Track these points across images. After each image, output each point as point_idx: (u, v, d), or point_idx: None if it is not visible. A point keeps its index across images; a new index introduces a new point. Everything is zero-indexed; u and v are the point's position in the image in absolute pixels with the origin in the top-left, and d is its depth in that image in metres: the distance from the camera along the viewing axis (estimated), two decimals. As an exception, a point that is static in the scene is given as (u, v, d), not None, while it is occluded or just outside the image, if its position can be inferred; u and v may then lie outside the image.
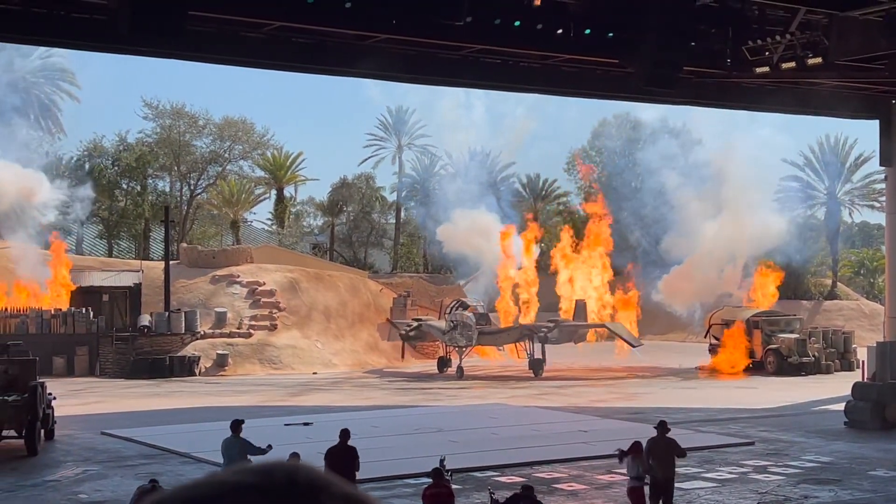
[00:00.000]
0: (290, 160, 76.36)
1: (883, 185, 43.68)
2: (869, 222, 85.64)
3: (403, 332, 50.18)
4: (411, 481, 21.41)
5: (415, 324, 50.64)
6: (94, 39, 25.56)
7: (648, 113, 69.70)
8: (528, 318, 53.54)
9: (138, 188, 69.78)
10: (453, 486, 17.17)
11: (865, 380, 33.49)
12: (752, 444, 27.30)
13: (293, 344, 51.36)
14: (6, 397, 25.95)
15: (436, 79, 33.75)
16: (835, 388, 37.87)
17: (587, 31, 26.32)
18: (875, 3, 25.61)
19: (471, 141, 75.08)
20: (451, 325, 48.01)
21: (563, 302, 55.31)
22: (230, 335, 51.02)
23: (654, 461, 17.71)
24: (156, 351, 48.79)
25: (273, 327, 52.09)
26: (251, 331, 51.50)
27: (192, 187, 72.90)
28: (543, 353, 47.02)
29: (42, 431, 27.15)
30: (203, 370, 48.51)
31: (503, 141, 76.14)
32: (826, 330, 51.08)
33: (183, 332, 49.89)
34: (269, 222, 78.94)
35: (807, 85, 33.18)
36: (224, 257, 57.65)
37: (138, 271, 55.59)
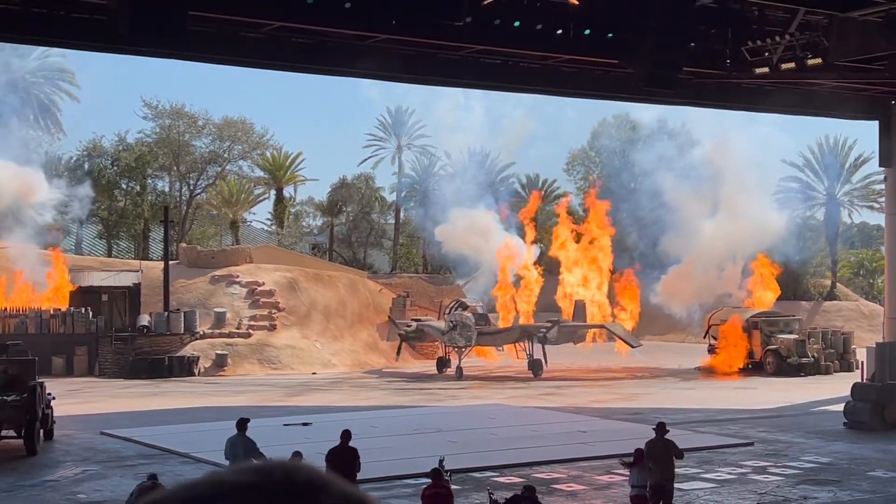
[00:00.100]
0: (289, 160, 76.37)
1: (882, 186, 43.67)
2: (868, 223, 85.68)
3: (403, 332, 50.16)
4: (410, 482, 21.40)
5: (413, 324, 50.62)
6: (94, 39, 25.55)
7: (647, 114, 69.82)
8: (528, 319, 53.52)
9: (138, 188, 69.74)
10: (452, 487, 17.16)
11: (865, 380, 33.50)
12: (751, 444, 27.30)
13: (292, 344, 51.37)
14: (5, 397, 25.96)
15: (435, 79, 33.74)
16: (834, 389, 37.86)
17: (587, 32, 26.31)
18: (874, 3, 25.61)
19: (470, 141, 75.19)
20: (451, 325, 48.02)
21: (562, 302, 55.24)
22: (229, 335, 51.02)
23: (653, 463, 17.71)
24: (155, 351, 48.78)
25: (272, 327, 52.10)
26: (250, 331, 51.50)
27: (191, 187, 72.90)
28: (544, 353, 46.96)
29: (41, 431, 27.14)
30: (202, 370, 48.51)
31: (502, 141, 76.23)
32: (825, 331, 51.08)
33: (182, 332, 49.88)
34: (269, 222, 79.00)
35: (806, 85, 33.17)
36: (223, 257, 57.65)
37: (137, 271, 55.58)
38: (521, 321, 52.66)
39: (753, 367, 48.27)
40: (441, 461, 17.04)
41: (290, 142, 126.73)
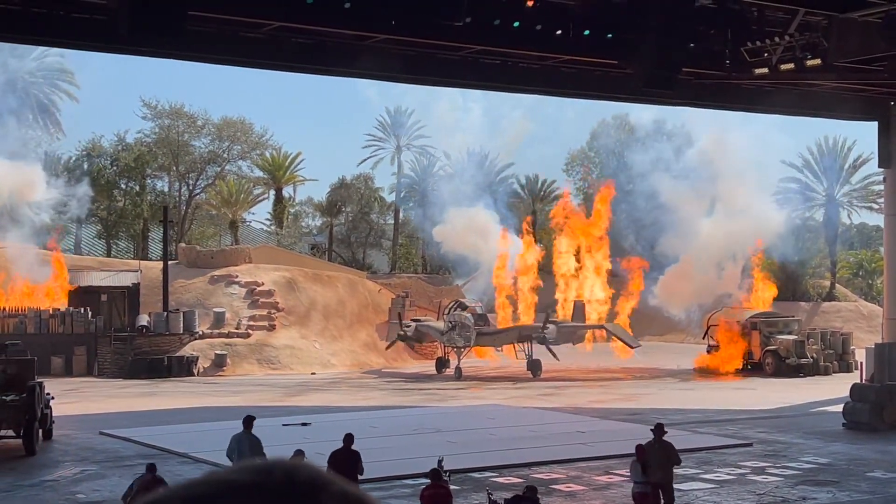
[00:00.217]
0: (288, 160, 76.34)
1: (881, 187, 43.65)
2: (867, 224, 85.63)
3: (402, 332, 50.12)
4: (409, 482, 21.40)
5: (412, 325, 50.58)
6: (94, 39, 25.54)
7: (646, 114, 69.77)
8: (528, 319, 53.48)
9: (137, 188, 69.75)
10: (451, 487, 17.17)
11: (864, 381, 33.51)
12: (750, 445, 27.30)
13: (291, 344, 51.36)
14: (4, 397, 25.95)
15: (435, 79, 33.74)
16: (833, 390, 37.85)
17: (586, 32, 26.31)
18: (874, 4, 25.61)
19: (469, 142, 75.22)
20: (450, 325, 47.99)
21: (560, 304, 55.21)
22: (228, 335, 51.01)
23: (652, 465, 17.68)
24: (154, 351, 48.77)
25: (271, 327, 52.08)
26: (249, 331, 51.49)
27: (190, 187, 72.89)
28: (550, 350, 46.81)
29: (40, 431, 27.13)
30: (201, 370, 48.49)
31: (501, 142, 76.25)
32: (824, 331, 51.07)
33: (181, 332, 49.87)
34: (268, 222, 78.98)
35: (806, 86, 33.18)
36: (222, 257, 57.65)
37: (137, 271, 55.56)
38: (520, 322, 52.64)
39: (752, 368, 48.28)
40: (440, 461, 17.04)
41: (289, 142, 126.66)
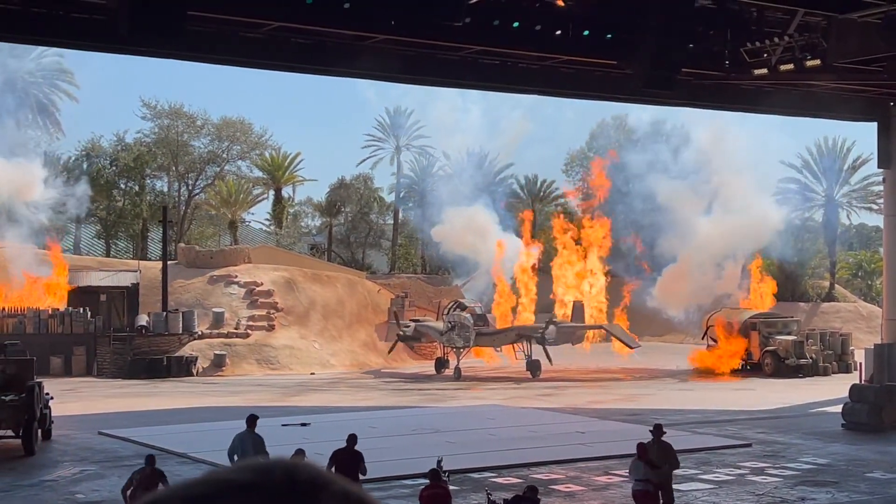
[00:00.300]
0: (288, 160, 76.33)
1: (881, 188, 43.64)
2: (867, 224, 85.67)
3: (401, 332, 50.12)
4: (408, 482, 21.41)
5: (412, 325, 50.57)
6: (94, 39, 25.52)
7: (645, 115, 69.76)
8: (527, 319, 53.49)
9: (136, 188, 69.72)
10: (450, 487, 17.17)
11: (863, 382, 33.51)
12: (749, 445, 27.31)
13: (291, 344, 51.35)
14: (3, 397, 25.95)
15: (434, 79, 33.72)
16: (832, 390, 37.87)
17: (586, 33, 26.29)
18: (873, 5, 25.60)
19: (468, 142, 75.17)
20: (449, 325, 47.97)
21: (558, 305, 55.21)
22: (227, 335, 51.00)
23: (650, 467, 17.68)
24: (153, 351, 48.76)
25: (270, 327, 52.08)
26: (249, 331, 51.48)
27: (189, 187, 72.87)
28: (547, 353, 46.80)
29: (39, 431, 27.13)
30: (200, 370, 48.48)
31: (501, 142, 76.18)
32: (823, 332, 51.09)
33: (180, 332, 49.86)
34: (267, 223, 78.98)
35: (805, 87, 33.16)
36: (222, 257, 57.64)
37: (136, 271, 55.55)
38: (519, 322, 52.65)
39: (751, 368, 48.28)
40: (439, 462, 17.04)
41: (288, 142, 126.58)
